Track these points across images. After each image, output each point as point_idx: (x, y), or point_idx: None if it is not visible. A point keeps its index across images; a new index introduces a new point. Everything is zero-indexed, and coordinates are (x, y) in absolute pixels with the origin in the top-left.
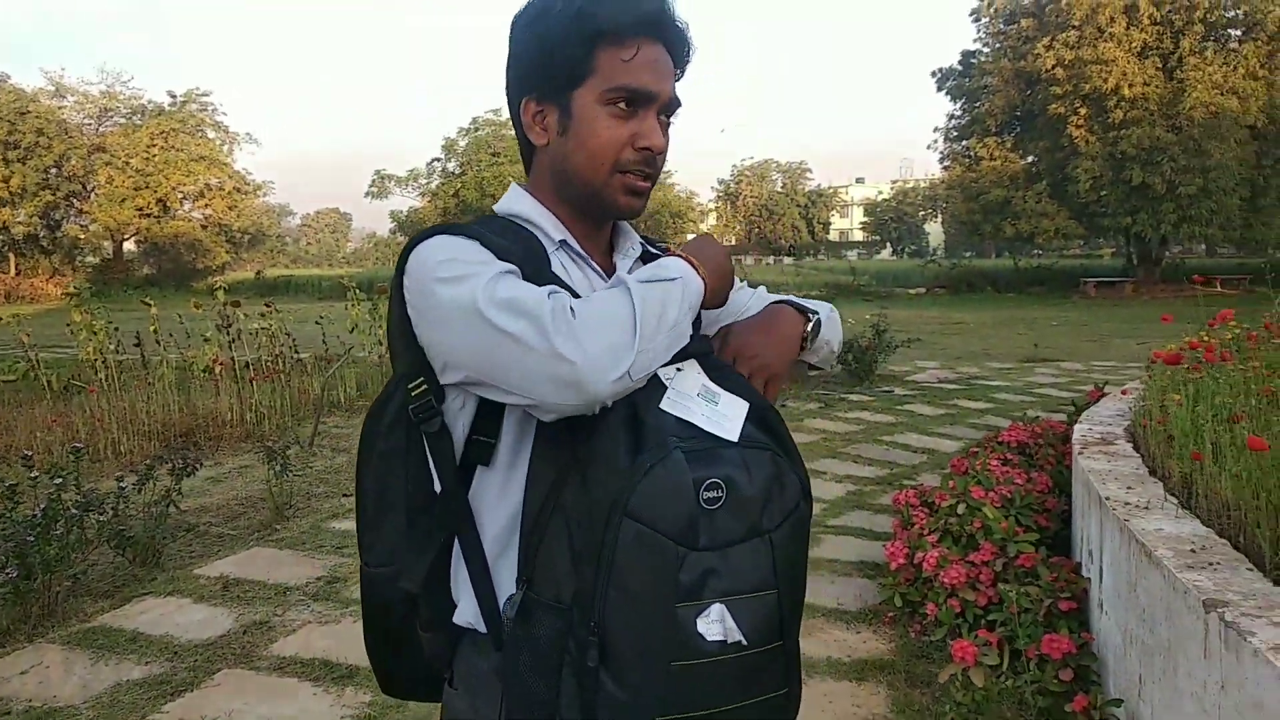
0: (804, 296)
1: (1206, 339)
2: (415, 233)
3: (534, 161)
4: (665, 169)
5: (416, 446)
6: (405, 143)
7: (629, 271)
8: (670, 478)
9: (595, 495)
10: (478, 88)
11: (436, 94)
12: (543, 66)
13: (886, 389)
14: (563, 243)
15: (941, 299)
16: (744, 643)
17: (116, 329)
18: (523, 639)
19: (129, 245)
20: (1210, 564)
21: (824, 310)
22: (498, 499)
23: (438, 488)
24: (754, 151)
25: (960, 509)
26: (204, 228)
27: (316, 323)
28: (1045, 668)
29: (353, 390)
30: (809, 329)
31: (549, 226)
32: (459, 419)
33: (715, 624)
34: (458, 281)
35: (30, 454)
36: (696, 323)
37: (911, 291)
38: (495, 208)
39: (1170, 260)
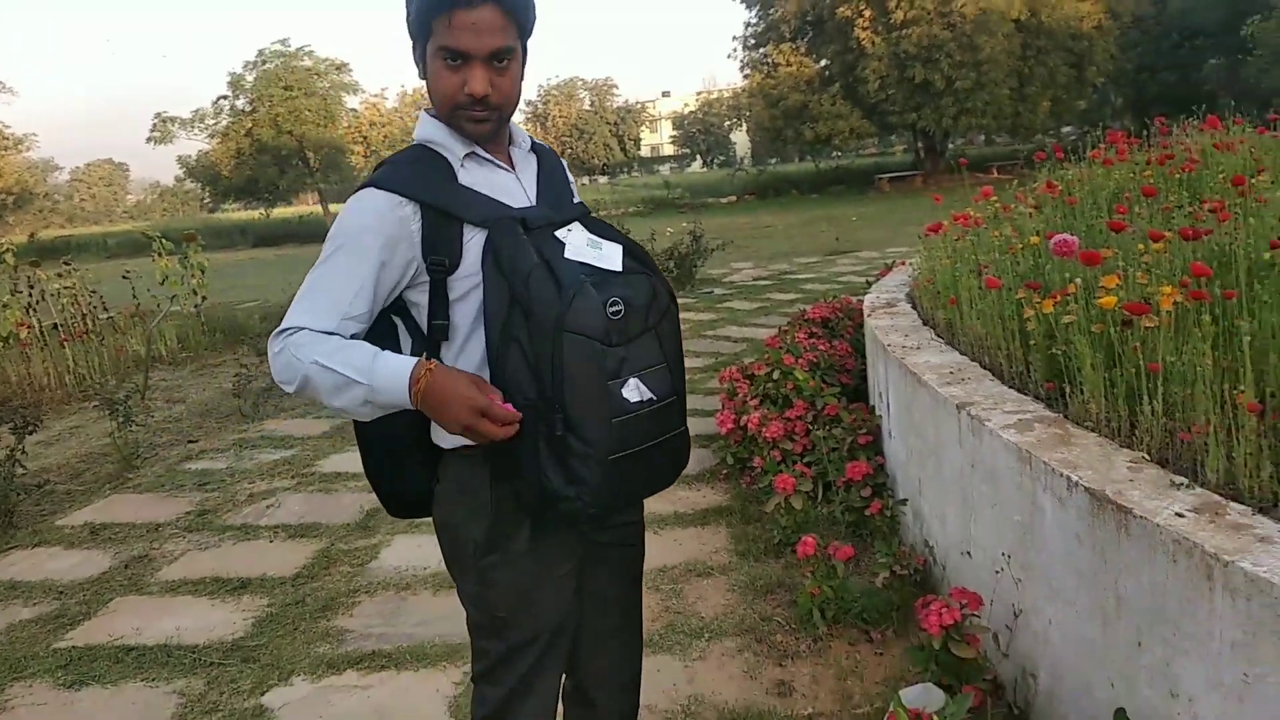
0: (623, 214)
1: (973, 213)
2: (208, 176)
3: None
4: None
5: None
6: (183, 85)
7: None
8: (588, 301)
9: (541, 322)
10: (258, 19)
11: (211, 29)
12: (409, 21)
13: (707, 290)
14: (470, 154)
15: (751, 205)
16: (654, 399)
17: None
18: None
19: None
20: (963, 380)
21: None
22: (457, 356)
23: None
24: (560, 70)
25: (775, 375)
26: None
27: (124, 277)
28: (850, 490)
29: (174, 343)
30: None
31: (455, 145)
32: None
33: (634, 390)
34: (330, 246)
35: None
36: (569, 196)
37: (723, 200)
38: (415, 134)
39: (954, 151)
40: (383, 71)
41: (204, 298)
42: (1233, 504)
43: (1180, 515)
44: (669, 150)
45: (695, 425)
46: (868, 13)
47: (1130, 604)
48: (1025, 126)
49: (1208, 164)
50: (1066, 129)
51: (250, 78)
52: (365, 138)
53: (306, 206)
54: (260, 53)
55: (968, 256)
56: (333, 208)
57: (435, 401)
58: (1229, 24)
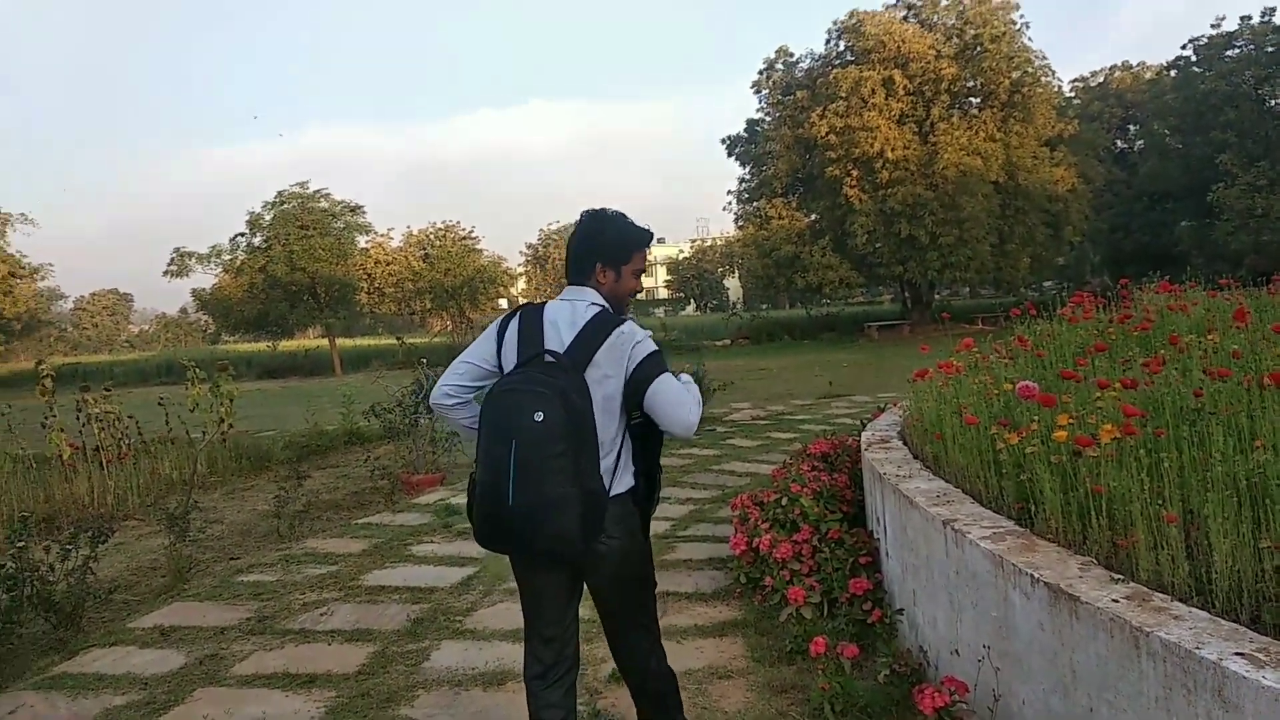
0: None
1: (955, 362)
2: (220, 309)
3: (595, 288)
4: (473, 236)
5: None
6: (198, 220)
7: None
8: None
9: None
10: (273, 167)
11: (226, 173)
12: (617, 252)
13: (710, 428)
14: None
15: (746, 349)
16: None
17: None
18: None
19: None
20: (949, 502)
21: None
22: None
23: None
24: (560, 215)
25: (784, 501)
26: None
27: (159, 404)
28: (854, 604)
29: (203, 468)
30: None
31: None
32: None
33: None
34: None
35: None
36: None
37: (718, 343)
38: (594, 302)
39: (939, 302)
40: (390, 213)
41: (230, 425)
42: (1157, 593)
43: (1115, 601)
44: (664, 294)
45: (709, 549)
46: (855, 172)
47: (1082, 676)
48: (1007, 280)
49: (1163, 323)
50: (1048, 283)
51: (268, 217)
52: (370, 275)
53: (310, 340)
54: (279, 194)
55: (951, 399)
56: (340, 342)
57: None
58: (1195, 189)
